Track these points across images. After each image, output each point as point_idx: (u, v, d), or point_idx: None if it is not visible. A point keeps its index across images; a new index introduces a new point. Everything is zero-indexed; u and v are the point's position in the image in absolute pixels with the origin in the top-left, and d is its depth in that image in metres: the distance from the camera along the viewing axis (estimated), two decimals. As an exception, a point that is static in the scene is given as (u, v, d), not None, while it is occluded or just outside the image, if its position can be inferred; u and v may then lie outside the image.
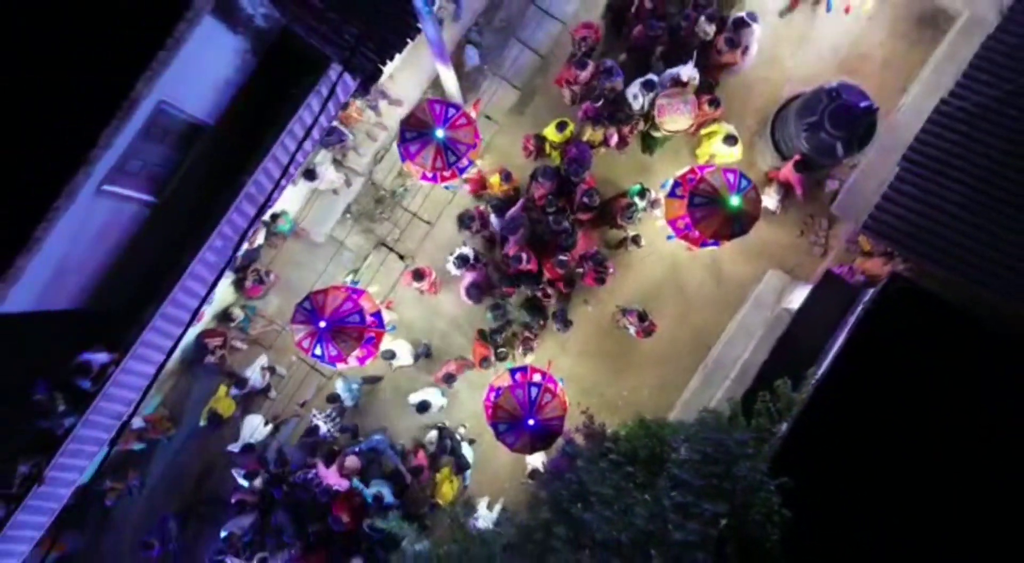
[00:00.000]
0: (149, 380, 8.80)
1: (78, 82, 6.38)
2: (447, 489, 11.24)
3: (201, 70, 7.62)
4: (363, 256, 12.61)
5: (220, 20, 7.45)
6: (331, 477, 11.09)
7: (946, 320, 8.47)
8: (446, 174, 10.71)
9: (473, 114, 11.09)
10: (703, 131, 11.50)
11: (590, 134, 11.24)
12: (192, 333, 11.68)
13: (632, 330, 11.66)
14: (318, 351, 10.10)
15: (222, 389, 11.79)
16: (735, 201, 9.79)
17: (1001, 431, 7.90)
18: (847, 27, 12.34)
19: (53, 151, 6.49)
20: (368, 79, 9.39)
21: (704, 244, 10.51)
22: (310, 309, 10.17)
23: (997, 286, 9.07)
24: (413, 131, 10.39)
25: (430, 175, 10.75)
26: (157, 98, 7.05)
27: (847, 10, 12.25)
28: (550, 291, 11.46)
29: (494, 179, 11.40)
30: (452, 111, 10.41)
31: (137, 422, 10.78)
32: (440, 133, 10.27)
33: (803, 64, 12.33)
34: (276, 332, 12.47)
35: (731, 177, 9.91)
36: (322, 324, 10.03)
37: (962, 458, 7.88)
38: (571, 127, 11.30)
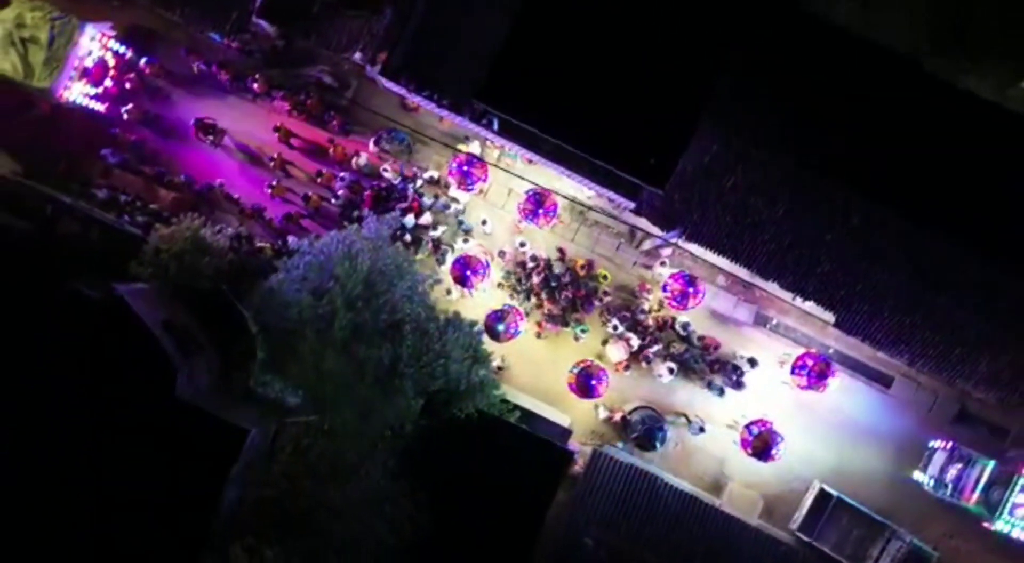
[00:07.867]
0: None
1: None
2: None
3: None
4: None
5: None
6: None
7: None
8: (525, 215, 22.61)
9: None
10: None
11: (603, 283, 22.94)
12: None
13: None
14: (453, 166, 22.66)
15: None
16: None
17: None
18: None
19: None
20: (633, 196, 19.97)
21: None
22: (469, 160, 22.50)
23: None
24: (538, 198, 22.19)
25: (523, 211, 22.48)
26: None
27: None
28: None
29: (580, 260, 22.91)
30: (552, 214, 22.40)
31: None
32: (540, 222, 22.40)
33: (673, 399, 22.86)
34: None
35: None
36: (465, 168, 22.52)
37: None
38: (611, 277, 22.75)
